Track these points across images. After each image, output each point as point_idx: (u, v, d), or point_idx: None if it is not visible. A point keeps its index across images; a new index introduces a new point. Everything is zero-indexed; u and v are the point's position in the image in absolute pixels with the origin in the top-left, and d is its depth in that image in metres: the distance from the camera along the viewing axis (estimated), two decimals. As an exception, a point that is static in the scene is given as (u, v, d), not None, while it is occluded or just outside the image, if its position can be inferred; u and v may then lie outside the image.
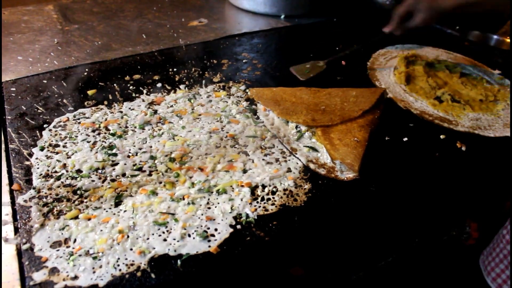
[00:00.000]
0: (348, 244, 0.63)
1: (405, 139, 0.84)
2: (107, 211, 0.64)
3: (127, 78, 0.98)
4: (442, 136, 0.86)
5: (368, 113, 0.88)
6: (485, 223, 0.70)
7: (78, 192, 0.67)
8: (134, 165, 0.73)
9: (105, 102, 0.89)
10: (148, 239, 0.60)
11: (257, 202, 0.67)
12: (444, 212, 0.68)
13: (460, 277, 0.72)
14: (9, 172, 0.70)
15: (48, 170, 0.71)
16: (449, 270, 0.71)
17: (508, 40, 1.41)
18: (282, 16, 1.37)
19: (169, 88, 0.95)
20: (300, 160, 0.76)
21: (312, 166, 0.76)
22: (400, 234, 0.65)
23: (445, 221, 0.67)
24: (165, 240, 0.60)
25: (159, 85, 0.95)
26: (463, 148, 0.83)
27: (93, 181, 0.69)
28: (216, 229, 0.62)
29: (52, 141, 0.78)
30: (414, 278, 0.68)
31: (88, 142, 0.78)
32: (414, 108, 0.95)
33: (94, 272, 0.55)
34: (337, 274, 0.59)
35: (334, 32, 1.30)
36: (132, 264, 0.57)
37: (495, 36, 1.41)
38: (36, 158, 0.73)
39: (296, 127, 0.85)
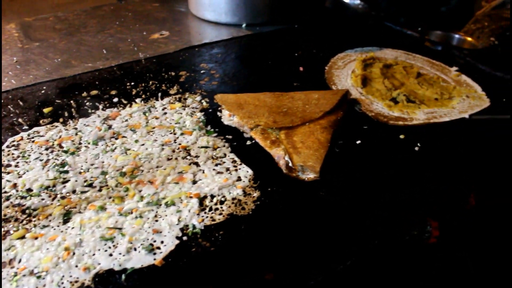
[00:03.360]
0: (303, 249, 0.63)
1: (358, 141, 0.85)
2: (55, 229, 0.65)
3: (84, 94, 0.98)
4: (401, 136, 0.87)
5: (330, 114, 0.91)
6: (445, 221, 0.71)
7: (27, 211, 0.67)
8: (85, 181, 0.73)
9: (61, 120, 0.89)
10: (94, 254, 0.61)
11: (205, 213, 0.68)
12: (404, 211, 0.69)
13: (422, 276, 0.72)
14: (-42, 195, 0.70)
15: (-3, 191, 0.71)
16: (411, 270, 0.71)
17: (469, 39, 1.44)
18: (244, 25, 1.38)
19: (125, 102, 0.95)
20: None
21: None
22: (358, 236, 0.65)
23: (405, 221, 0.67)
24: (111, 255, 0.61)
25: (115, 100, 0.96)
26: (416, 149, 0.84)
27: (43, 199, 0.70)
28: (162, 242, 0.63)
29: (4, 161, 0.78)
30: (377, 280, 0.68)
31: (41, 160, 0.78)
32: (369, 111, 0.97)
33: (36, 291, 0.56)
34: (293, 280, 0.58)
35: (295, 39, 1.31)
36: (76, 281, 0.57)
37: (456, 36, 1.43)
38: (-14, 180, 0.73)
39: None
